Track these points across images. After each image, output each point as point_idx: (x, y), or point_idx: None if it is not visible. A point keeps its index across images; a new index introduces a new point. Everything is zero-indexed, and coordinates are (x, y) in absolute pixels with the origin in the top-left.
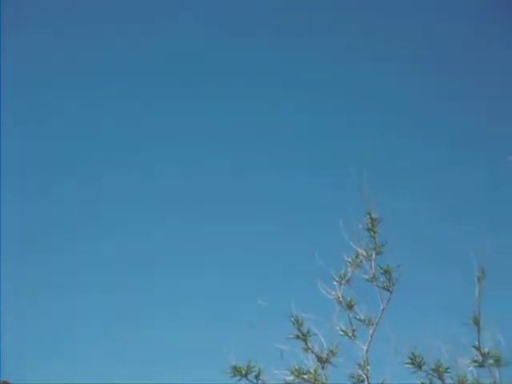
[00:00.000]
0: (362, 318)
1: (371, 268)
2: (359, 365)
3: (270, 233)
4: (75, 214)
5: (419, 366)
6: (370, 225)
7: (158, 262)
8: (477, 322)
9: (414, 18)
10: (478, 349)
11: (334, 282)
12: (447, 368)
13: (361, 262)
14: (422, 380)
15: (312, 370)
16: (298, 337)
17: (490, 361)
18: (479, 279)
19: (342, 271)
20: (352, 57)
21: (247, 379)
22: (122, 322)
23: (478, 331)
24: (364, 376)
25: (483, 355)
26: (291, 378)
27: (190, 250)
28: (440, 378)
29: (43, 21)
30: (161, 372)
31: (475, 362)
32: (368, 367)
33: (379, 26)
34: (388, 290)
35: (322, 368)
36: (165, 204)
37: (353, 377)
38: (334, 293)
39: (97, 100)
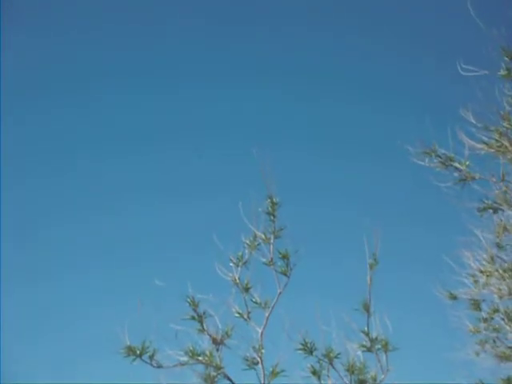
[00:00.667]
0: (258, 300)
1: (269, 252)
2: (254, 348)
3: (170, 211)
4: None
5: (311, 352)
6: (270, 209)
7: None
8: (367, 308)
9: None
10: (367, 334)
11: (231, 264)
12: (338, 354)
13: (259, 244)
14: (314, 364)
15: (208, 352)
16: (193, 318)
17: (378, 346)
18: (371, 266)
19: (240, 253)
20: None
21: (141, 359)
22: None
23: (368, 317)
24: (258, 359)
25: (371, 340)
26: (185, 358)
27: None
28: (330, 363)
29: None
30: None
31: (363, 346)
32: (263, 350)
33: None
34: (285, 275)
35: (217, 350)
36: None
37: (247, 359)
38: (231, 274)
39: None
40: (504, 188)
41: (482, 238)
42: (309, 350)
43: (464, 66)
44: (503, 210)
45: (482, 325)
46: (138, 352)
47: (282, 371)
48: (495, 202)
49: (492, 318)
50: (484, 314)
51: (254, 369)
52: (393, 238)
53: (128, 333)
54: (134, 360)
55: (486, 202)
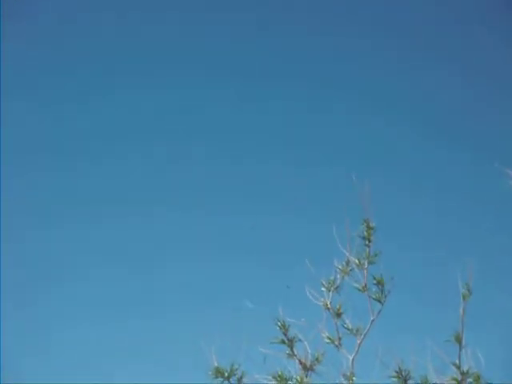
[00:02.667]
0: (350, 327)
1: (363, 277)
2: (344, 375)
3: (262, 232)
4: None
5: (405, 381)
6: (365, 233)
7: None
8: (459, 340)
9: None
10: (458, 367)
11: (323, 289)
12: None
13: (351, 270)
14: None
15: (299, 378)
16: (283, 342)
17: (470, 379)
18: (464, 296)
19: (332, 278)
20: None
21: (229, 382)
22: None
23: (460, 349)
24: None
25: (462, 373)
26: (274, 383)
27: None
28: None
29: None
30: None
31: (455, 379)
32: (354, 378)
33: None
34: (379, 302)
35: (306, 376)
36: None
37: None
38: (322, 299)
39: None
40: None
41: None
42: (403, 378)
43: None
44: None
45: None
46: (226, 374)
47: None
48: None
49: None
50: None
51: None
52: (486, 266)
53: (215, 353)
54: (221, 382)
55: None
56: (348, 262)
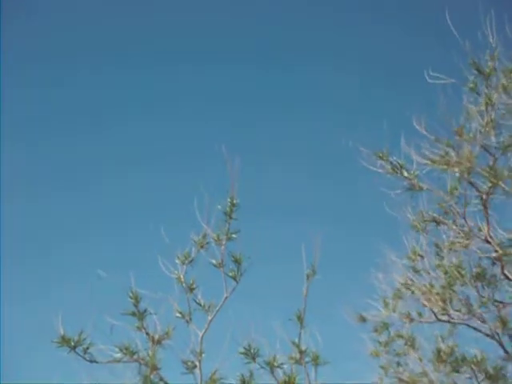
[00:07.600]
0: (202, 303)
1: (220, 253)
2: (193, 351)
3: (120, 196)
4: None
5: (253, 358)
6: (228, 209)
7: None
8: (300, 320)
9: None
10: (298, 346)
11: (177, 261)
12: (281, 363)
13: (208, 243)
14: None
15: (149, 352)
16: (133, 314)
17: (307, 358)
18: (308, 276)
19: (186, 250)
20: None
21: (75, 352)
22: None
23: (301, 328)
24: (197, 363)
25: (301, 352)
26: (119, 355)
27: None
28: (272, 372)
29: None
30: None
31: (293, 358)
32: (203, 355)
33: None
34: (235, 280)
35: (154, 350)
36: None
37: (185, 362)
38: (176, 272)
39: None
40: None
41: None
42: (251, 356)
43: (432, 74)
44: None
45: (382, 349)
46: (73, 344)
47: (221, 378)
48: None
49: (390, 343)
50: (383, 338)
51: (193, 373)
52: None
53: (63, 323)
54: (68, 352)
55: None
56: (205, 236)
